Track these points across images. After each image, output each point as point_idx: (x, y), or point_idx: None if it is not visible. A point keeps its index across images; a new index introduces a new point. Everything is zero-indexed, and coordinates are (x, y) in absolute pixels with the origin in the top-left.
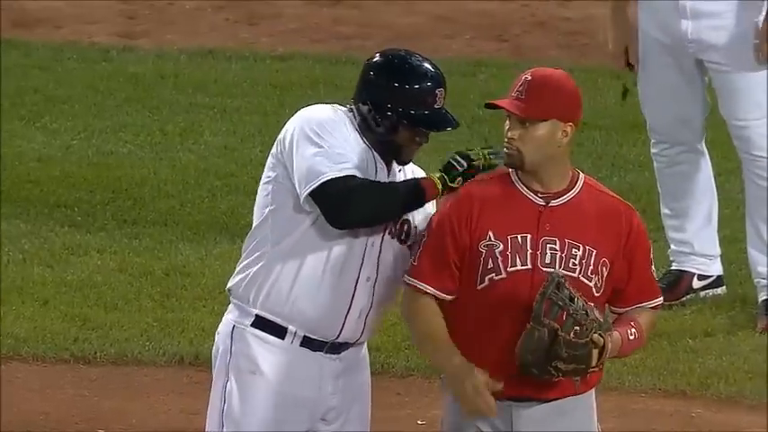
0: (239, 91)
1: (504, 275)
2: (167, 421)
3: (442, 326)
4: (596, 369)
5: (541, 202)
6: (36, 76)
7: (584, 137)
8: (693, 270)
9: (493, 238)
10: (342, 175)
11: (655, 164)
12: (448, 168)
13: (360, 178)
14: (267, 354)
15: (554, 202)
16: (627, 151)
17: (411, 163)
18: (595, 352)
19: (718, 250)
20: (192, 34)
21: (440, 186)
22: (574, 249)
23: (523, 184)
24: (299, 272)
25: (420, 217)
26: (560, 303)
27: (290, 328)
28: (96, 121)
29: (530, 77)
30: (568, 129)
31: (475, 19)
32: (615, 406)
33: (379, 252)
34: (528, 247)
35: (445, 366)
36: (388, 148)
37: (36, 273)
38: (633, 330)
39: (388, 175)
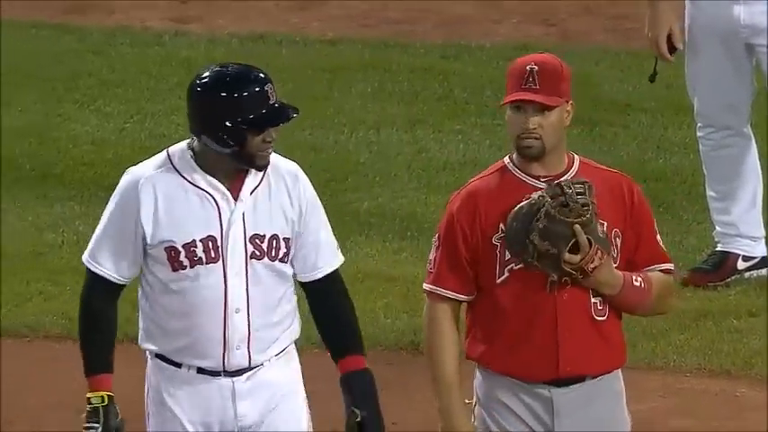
0: (289, 75)
1: (522, 264)
2: None
3: (453, 359)
4: (574, 274)
5: (542, 185)
6: (90, 60)
7: (630, 119)
8: (738, 251)
9: (504, 230)
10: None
11: (701, 147)
12: None
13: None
14: (169, 383)
15: (558, 181)
16: (672, 134)
17: (291, 171)
18: (576, 256)
19: (762, 232)
20: (243, 19)
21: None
22: None
23: (523, 172)
24: (165, 316)
25: (282, 224)
26: (563, 185)
27: (183, 361)
28: (149, 104)
29: (535, 67)
30: (570, 108)
31: (522, 3)
32: (660, 385)
33: (246, 281)
34: None
35: (441, 405)
36: (241, 160)
37: None
38: (639, 278)
39: (235, 201)
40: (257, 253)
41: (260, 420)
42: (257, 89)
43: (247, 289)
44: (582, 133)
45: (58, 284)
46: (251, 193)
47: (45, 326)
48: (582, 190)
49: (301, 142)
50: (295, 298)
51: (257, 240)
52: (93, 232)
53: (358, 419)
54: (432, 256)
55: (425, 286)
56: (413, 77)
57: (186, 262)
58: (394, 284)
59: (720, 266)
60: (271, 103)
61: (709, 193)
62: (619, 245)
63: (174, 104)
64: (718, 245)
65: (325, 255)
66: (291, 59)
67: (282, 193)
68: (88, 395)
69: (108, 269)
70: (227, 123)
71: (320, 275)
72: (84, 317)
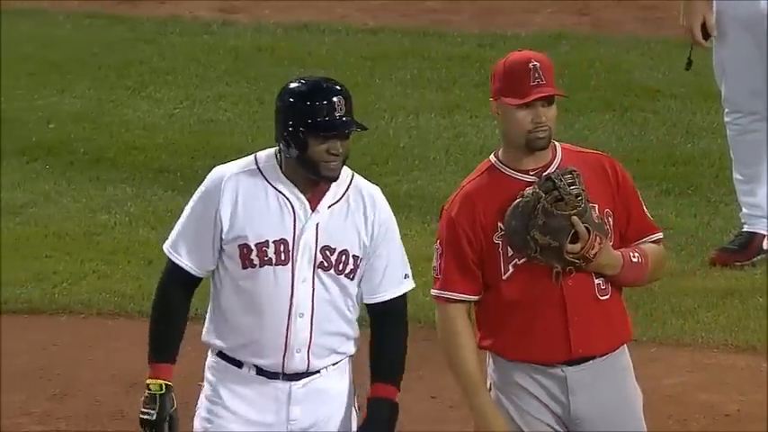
0: (332, 63)
1: (526, 258)
2: None
3: (473, 355)
4: (576, 262)
5: (532, 179)
6: (141, 49)
7: (659, 105)
8: (764, 232)
9: (503, 228)
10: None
11: (728, 132)
12: None
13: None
14: (228, 381)
15: (546, 174)
16: (700, 119)
17: (366, 186)
18: (577, 245)
19: None
20: (288, 9)
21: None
22: None
23: (510, 168)
24: (231, 313)
25: (354, 242)
26: (554, 178)
27: (245, 362)
28: (197, 91)
29: (537, 63)
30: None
31: None
32: (689, 361)
33: (312, 289)
34: None
35: (474, 407)
36: (307, 167)
37: (141, 234)
38: (636, 253)
39: (312, 212)
40: (325, 264)
41: (309, 427)
42: (325, 100)
43: (313, 296)
44: (613, 118)
45: (110, 264)
46: (329, 207)
47: (98, 303)
48: (572, 180)
49: None
50: (357, 315)
51: (327, 252)
52: (144, 214)
53: None
54: (436, 263)
55: (434, 292)
56: (450, 65)
57: (256, 261)
58: (432, 264)
59: (747, 246)
60: (336, 114)
61: (736, 176)
62: (611, 223)
63: (222, 91)
64: (745, 226)
65: (390, 280)
66: (334, 48)
67: (359, 213)
68: (148, 381)
69: (187, 260)
70: (291, 128)
71: (381, 300)
72: (159, 304)
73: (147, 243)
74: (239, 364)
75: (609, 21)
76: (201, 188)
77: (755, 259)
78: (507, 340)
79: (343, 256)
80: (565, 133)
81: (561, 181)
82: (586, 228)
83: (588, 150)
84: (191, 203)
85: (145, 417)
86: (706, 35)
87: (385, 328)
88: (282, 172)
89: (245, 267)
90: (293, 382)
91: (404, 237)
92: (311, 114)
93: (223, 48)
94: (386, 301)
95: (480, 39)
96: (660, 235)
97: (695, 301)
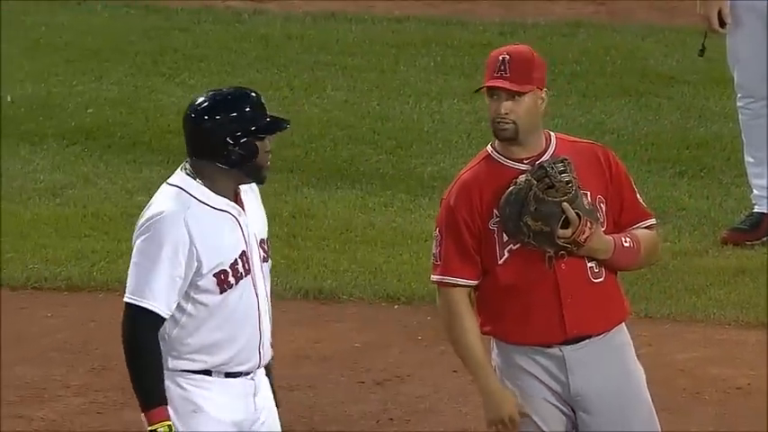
0: (359, 50)
1: (520, 244)
2: (293, 349)
3: (477, 338)
4: (568, 246)
5: (526, 167)
6: (175, 37)
7: (673, 91)
8: None
9: (498, 214)
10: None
11: (740, 116)
12: None
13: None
14: (201, 391)
15: (539, 162)
16: (713, 104)
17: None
18: (568, 230)
19: None
20: None
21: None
22: None
23: (505, 158)
24: (209, 337)
25: (265, 227)
26: (546, 167)
27: (214, 368)
28: (229, 77)
29: (507, 56)
30: (544, 95)
31: None
32: (702, 337)
33: (264, 285)
34: None
35: (483, 389)
36: (250, 173)
37: None
38: (628, 238)
39: (244, 211)
40: (265, 256)
41: (267, 413)
42: (255, 103)
43: (265, 290)
44: (629, 103)
45: None
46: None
47: None
48: (563, 168)
49: (370, 112)
50: None
51: (263, 245)
52: None
53: None
54: (436, 251)
55: (434, 278)
56: (473, 52)
57: (233, 280)
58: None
59: (757, 226)
60: (269, 114)
61: (747, 158)
62: (604, 210)
63: (252, 78)
64: (755, 206)
65: None
66: (361, 36)
67: (256, 200)
68: (154, 427)
69: (160, 304)
70: (239, 138)
71: None
72: (141, 354)
73: None
74: (208, 373)
75: (624, 9)
76: (163, 235)
77: (765, 239)
78: (506, 324)
79: (268, 242)
80: (582, 118)
81: (553, 169)
82: (577, 213)
83: (582, 140)
84: (157, 252)
85: None
86: (722, 23)
87: None
88: (208, 188)
89: (222, 291)
90: (255, 374)
91: (428, 217)
92: (255, 120)
93: (254, 36)
94: None
95: (501, 27)
96: (653, 221)
97: (707, 279)
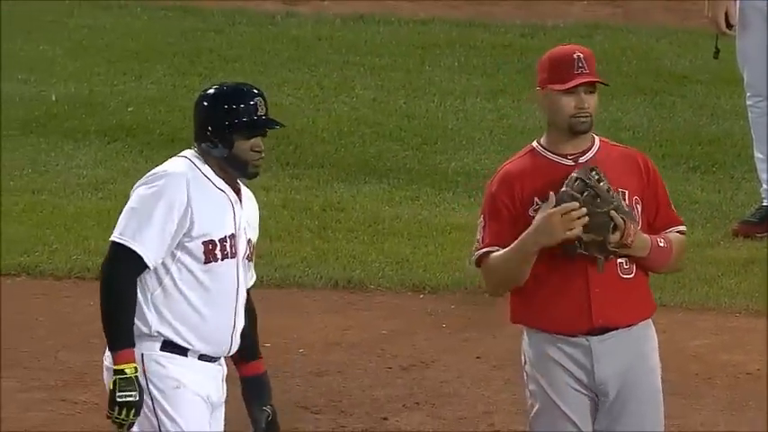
0: (386, 51)
1: (571, 255)
2: (323, 336)
3: (501, 252)
4: (616, 251)
5: (570, 163)
6: (211, 38)
7: (686, 90)
8: None
9: (539, 202)
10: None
11: (749, 114)
12: None
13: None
14: (179, 368)
15: (582, 159)
16: (724, 102)
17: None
18: (617, 234)
19: None
20: (346, 1)
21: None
22: None
23: (550, 152)
24: (187, 307)
25: (252, 233)
26: (583, 178)
27: (191, 349)
28: (262, 77)
29: (581, 54)
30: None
31: None
32: (713, 324)
33: (244, 278)
34: None
35: (526, 243)
36: (235, 166)
37: None
38: (662, 240)
39: (241, 203)
40: (249, 254)
41: (225, 395)
42: (247, 102)
43: (245, 282)
44: (644, 102)
45: None
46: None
47: None
48: (598, 176)
49: (397, 110)
50: None
51: (249, 244)
52: None
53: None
54: (479, 236)
55: (476, 254)
56: (495, 53)
57: (219, 255)
58: (476, 237)
59: (766, 219)
60: (259, 114)
61: (757, 154)
62: (640, 210)
63: (285, 77)
64: (764, 200)
65: (254, 269)
66: (388, 37)
67: (252, 204)
68: (120, 367)
69: (148, 250)
70: (219, 129)
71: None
72: (116, 293)
73: None
74: (184, 352)
75: (640, 11)
76: (164, 189)
77: None
78: (535, 311)
79: (251, 245)
80: (600, 115)
81: (590, 180)
82: (622, 218)
83: (623, 145)
84: (154, 203)
85: (127, 399)
86: (729, 25)
87: (250, 312)
88: (212, 169)
89: (207, 262)
90: (221, 362)
91: (452, 211)
92: (238, 115)
93: (286, 37)
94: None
95: (522, 29)
96: (684, 228)
97: (719, 270)
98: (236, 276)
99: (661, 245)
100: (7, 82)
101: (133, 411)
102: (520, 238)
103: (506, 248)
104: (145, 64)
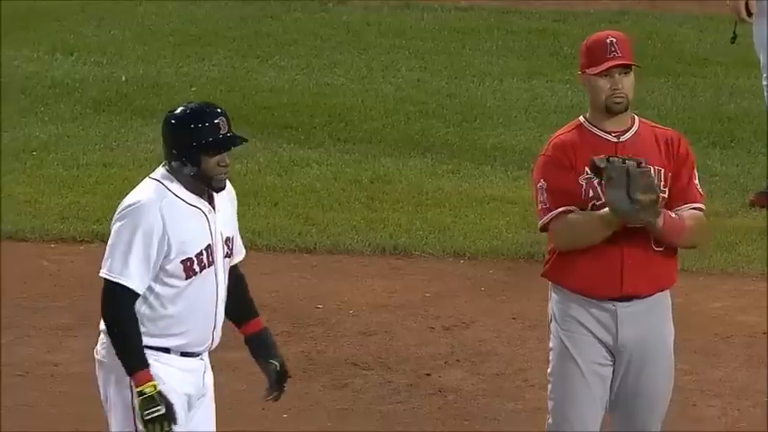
0: (429, 35)
1: (603, 200)
2: (372, 299)
3: (577, 216)
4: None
5: (614, 139)
6: (268, 24)
7: (707, 71)
8: None
9: (588, 172)
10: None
11: (765, 94)
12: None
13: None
14: (162, 365)
15: (624, 138)
16: (742, 83)
17: (227, 193)
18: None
19: None
20: None
21: (142, 391)
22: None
23: (596, 128)
24: (171, 321)
25: (233, 227)
26: (617, 156)
27: (173, 348)
28: (316, 59)
29: (614, 39)
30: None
31: None
32: (732, 288)
33: (224, 277)
34: None
35: (602, 221)
36: (202, 181)
37: (268, 180)
38: (674, 214)
39: (215, 209)
40: (228, 252)
41: (208, 387)
42: (211, 121)
43: (224, 281)
44: (667, 83)
45: (242, 205)
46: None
47: None
48: (623, 159)
49: (439, 90)
50: None
51: (227, 243)
52: (270, 163)
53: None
54: (542, 198)
55: (546, 218)
56: (530, 37)
57: (197, 268)
58: (513, 206)
59: None
60: (222, 132)
61: None
62: (669, 186)
63: (335, 59)
64: None
65: (240, 249)
66: (431, 23)
67: (230, 202)
68: (140, 388)
69: (138, 283)
70: (185, 149)
71: (236, 262)
72: (123, 326)
73: (273, 187)
74: (167, 350)
75: None
76: (138, 220)
77: None
78: (570, 272)
79: (230, 242)
80: None
81: (625, 162)
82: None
83: (660, 126)
84: (131, 234)
85: (155, 414)
86: (749, 12)
87: (239, 282)
88: (183, 186)
89: (188, 278)
90: (204, 356)
91: (490, 183)
92: (203, 135)
93: (337, 23)
94: (235, 265)
95: (555, 15)
96: (701, 205)
97: (737, 237)
98: (216, 280)
99: (673, 216)
100: (82, 65)
101: (165, 423)
102: (596, 223)
103: (588, 215)
104: (207, 47)
